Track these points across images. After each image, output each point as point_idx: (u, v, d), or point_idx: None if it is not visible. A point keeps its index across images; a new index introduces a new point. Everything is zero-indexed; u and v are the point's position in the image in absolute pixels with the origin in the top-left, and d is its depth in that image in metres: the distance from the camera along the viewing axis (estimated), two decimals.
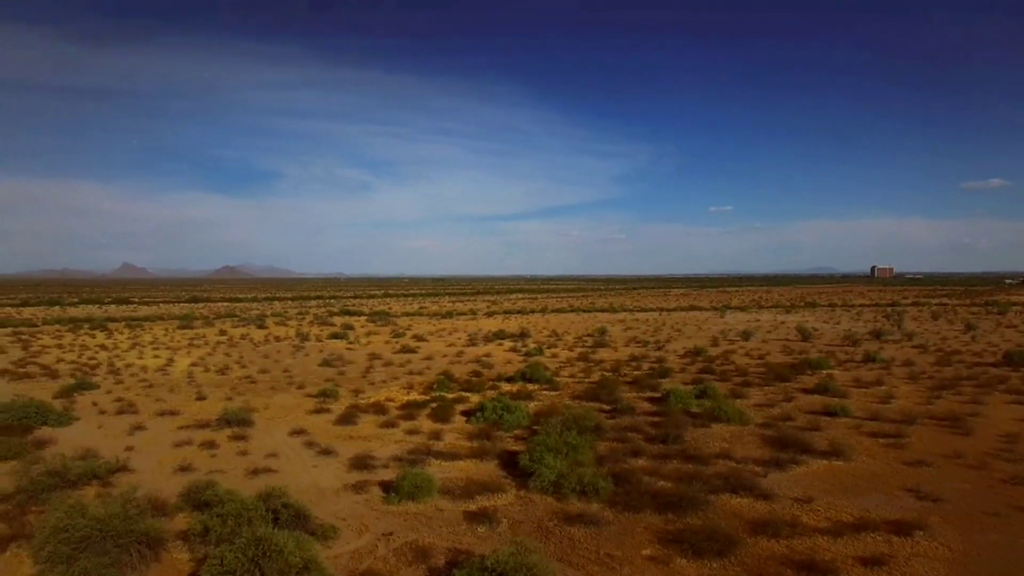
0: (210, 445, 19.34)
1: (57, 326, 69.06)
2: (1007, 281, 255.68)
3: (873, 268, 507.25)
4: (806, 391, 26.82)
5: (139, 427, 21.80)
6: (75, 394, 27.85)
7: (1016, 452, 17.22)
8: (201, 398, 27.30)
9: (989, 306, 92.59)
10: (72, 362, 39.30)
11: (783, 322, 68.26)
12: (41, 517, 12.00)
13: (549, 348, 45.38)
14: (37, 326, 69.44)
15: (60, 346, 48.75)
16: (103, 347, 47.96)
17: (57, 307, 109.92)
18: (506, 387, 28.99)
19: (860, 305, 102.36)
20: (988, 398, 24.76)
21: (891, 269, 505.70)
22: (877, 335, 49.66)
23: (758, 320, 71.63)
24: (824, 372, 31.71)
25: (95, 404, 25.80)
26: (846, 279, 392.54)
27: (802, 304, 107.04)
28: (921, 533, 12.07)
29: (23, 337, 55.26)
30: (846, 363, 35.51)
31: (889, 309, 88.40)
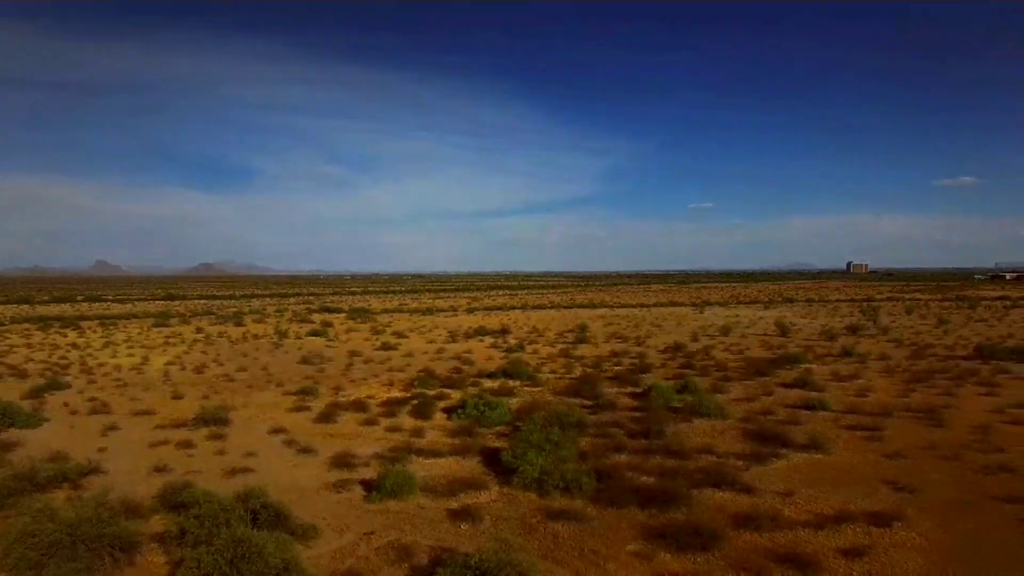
0: (186, 445, 18.93)
1: (26, 324, 67.22)
2: (976, 277, 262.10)
3: (849, 264, 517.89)
4: (785, 385, 27.14)
5: (112, 427, 21.26)
6: (45, 394, 27.09)
7: (988, 443, 17.57)
8: (177, 397, 26.75)
9: (960, 301, 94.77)
10: (42, 361, 38.25)
11: (761, 317, 69.08)
12: (8, 522, 11.60)
13: (530, 344, 45.35)
14: (4, 324, 67.54)
15: (29, 345, 47.44)
16: (75, 346, 46.77)
17: (27, 305, 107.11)
18: (487, 383, 28.88)
19: (836, 300, 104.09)
20: (960, 390, 25.29)
21: (866, 265, 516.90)
22: (853, 330, 50.52)
23: (737, 316, 72.43)
24: (802, 366, 32.10)
25: (66, 404, 25.13)
26: (822, 275, 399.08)
27: (780, 299, 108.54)
28: (899, 524, 12.25)
29: None
30: (824, 357, 36.03)
31: (864, 304, 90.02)
